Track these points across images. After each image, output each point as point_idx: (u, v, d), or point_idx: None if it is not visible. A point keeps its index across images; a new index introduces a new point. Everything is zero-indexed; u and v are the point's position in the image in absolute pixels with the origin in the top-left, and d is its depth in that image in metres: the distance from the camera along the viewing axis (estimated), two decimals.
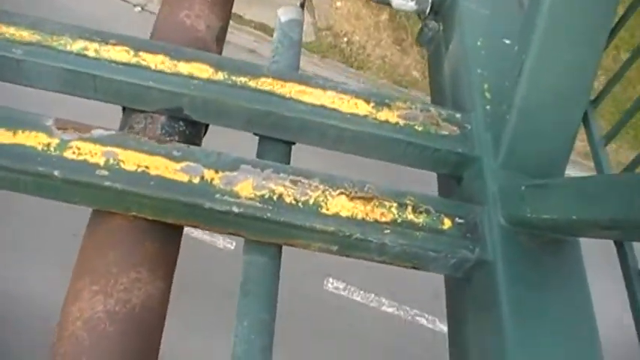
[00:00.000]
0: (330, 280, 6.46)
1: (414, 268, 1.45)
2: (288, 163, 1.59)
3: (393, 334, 6.36)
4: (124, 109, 1.55)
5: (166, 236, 1.40)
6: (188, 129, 1.54)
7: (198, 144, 1.60)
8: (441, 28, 2.01)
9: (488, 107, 1.63)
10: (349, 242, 1.37)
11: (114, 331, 1.23)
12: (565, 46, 1.44)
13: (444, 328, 6.38)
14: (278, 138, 1.57)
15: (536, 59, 1.44)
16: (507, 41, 1.83)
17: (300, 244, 1.40)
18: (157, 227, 1.37)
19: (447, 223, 1.43)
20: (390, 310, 6.42)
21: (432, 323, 6.35)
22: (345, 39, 8.43)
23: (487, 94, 1.66)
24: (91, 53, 1.48)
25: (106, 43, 1.51)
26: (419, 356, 6.24)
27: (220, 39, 1.83)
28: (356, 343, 6.15)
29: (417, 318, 6.37)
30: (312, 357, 5.94)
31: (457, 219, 1.44)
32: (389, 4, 1.99)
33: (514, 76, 1.49)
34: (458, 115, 1.63)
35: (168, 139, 1.49)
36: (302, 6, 2.00)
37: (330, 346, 6.05)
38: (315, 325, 6.11)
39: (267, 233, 1.37)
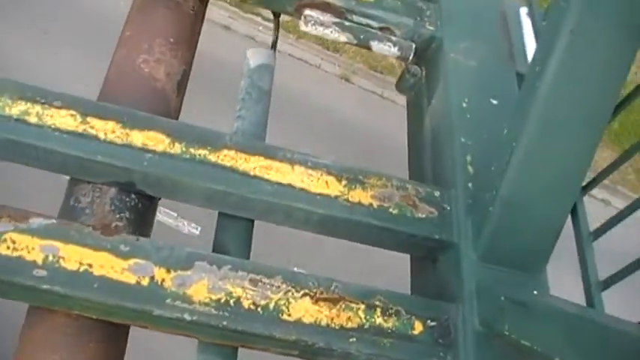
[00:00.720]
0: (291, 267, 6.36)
1: None
2: (250, 241, 1.46)
3: None
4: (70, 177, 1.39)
5: (113, 334, 1.26)
6: (141, 202, 1.40)
7: (152, 217, 1.46)
8: (424, 74, 1.87)
9: (470, 185, 1.51)
10: (311, 350, 1.26)
11: None
12: (560, 139, 1.32)
13: None
14: (239, 216, 1.43)
15: (528, 150, 1.32)
16: (495, 102, 1.70)
17: (258, 349, 1.28)
18: (103, 325, 1.24)
19: (418, 327, 1.32)
20: None
21: None
22: None
23: (470, 168, 1.54)
24: (32, 119, 1.32)
25: (50, 106, 1.34)
26: None
27: (182, 85, 1.67)
28: None
29: None
30: None
31: (429, 321, 1.33)
32: (369, 48, 1.84)
33: (501, 162, 1.37)
34: (437, 194, 1.50)
35: (117, 216, 1.35)
36: (273, 47, 1.85)
37: None
38: None
39: (223, 338, 1.25)
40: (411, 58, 1.84)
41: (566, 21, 1.23)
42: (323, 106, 7.45)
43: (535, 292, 1.34)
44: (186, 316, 1.18)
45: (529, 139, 1.31)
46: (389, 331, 1.29)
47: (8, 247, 1.17)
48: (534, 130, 1.31)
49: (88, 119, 1.35)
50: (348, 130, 7.45)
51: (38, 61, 6.55)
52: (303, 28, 1.77)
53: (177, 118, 1.62)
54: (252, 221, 1.46)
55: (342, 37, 1.80)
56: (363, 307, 1.30)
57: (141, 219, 1.39)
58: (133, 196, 1.38)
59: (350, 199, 1.43)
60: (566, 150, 1.33)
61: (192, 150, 1.37)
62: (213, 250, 1.42)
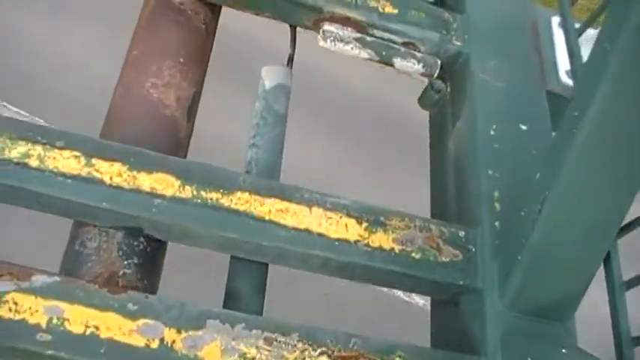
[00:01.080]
0: None
1: None
2: (264, 286, 1.40)
3: (368, 304, 6.31)
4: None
5: None
6: (150, 245, 1.33)
7: (162, 260, 1.39)
8: (449, 90, 1.77)
9: (497, 224, 1.42)
10: None
11: None
12: (598, 188, 1.22)
13: (420, 300, 6.29)
14: (254, 260, 1.36)
15: (562, 200, 1.23)
16: (524, 127, 1.60)
17: None
18: None
19: None
20: None
21: (407, 296, 6.29)
22: None
23: (497, 205, 1.45)
24: (33, 162, 1.24)
25: (52, 147, 1.26)
26: (394, 326, 6.21)
27: (193, 109, 1.58)
28: (332, 313, 6.09)
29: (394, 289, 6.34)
30: None
31: None
32: (392, 65, 1.73)
33: (531, 209, 1.28)
34: (462, 234, 1.42)
35: (125, 262, 1.28)
36: (290, 62, 1.75)
37: (305, 315, 5.98)
38: (291, 295, 6.03)
39: None
40: (436, 74, 1.74)
41: (610, 65, 1.12)
42: (331, 77, 7.31)
43: (564, 350, 1.26)
44: None
45: (564, 187, 1.22)
46: None
47: (10, 309, 1.10)
48: (570, 179, 1.21)
49: (93, 161, 1.27)
50: (358, 100, 7.34)
51: (57, 40, 6.40)
52: (322, 44, 1.67)
53: (187, 145, 1.54)
54: (267, 264, 1.39)
55: (364, 54, 1.70)
56: None
57: (150, 263, 1.33)
58: (141, 239, 1.31)
59: (370, 243, 1.35)
60: (603, 199, 1.24)
61: (203, 193, 1.30)
62: (226, 295, 1.36)
